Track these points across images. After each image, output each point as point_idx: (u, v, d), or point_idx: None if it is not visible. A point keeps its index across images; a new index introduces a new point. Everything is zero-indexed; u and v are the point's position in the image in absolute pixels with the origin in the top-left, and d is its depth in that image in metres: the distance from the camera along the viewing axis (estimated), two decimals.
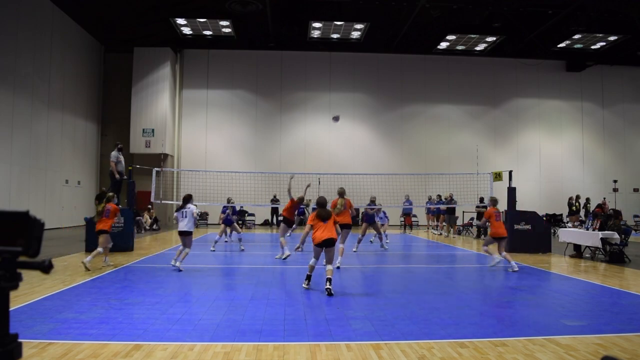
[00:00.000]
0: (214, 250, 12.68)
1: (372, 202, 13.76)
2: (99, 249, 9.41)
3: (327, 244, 7.25)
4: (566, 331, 5.14)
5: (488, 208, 10.12)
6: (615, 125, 26.96)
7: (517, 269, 9.33)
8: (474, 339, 4.84)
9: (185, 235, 9.12)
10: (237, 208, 15.33)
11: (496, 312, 6.14)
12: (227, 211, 13.39)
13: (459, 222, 20.13)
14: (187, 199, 9.35)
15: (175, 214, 9.53)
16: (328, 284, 6.98)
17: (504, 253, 9.57)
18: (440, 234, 19.64)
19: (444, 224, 19.60)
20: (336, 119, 13.65)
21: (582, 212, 20.19)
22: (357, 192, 18.11)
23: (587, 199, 21.87)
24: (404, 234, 20.28)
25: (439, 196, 20.28)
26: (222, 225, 13.52)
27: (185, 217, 9.09)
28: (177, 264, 9.13)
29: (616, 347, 4.64)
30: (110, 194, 10.18)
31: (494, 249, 9.87)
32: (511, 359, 4.26)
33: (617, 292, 7.52)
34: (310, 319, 5.59)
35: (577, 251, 11.89)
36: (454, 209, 18.75)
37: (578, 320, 5.68)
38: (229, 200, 13.94)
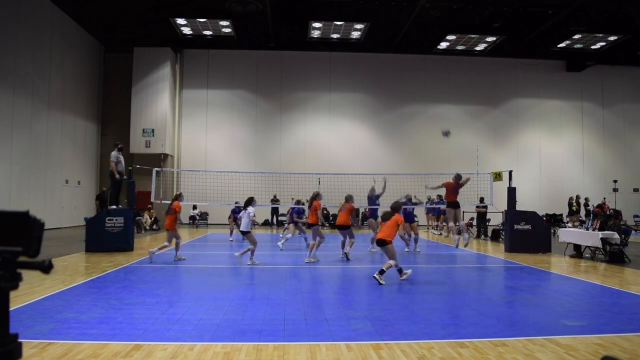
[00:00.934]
0: (282, 250, 12.97)
1: (409, 200, 13.62)
2: (165, 243, 10.42)
3: (379, 244, 8.08)
4: (566, 331, 5.14)
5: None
6: (615, 125, 26.97)
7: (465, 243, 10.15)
8: (474, 339, 4.84)
9: (243, 234, 10.20)
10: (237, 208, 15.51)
11: (496, 312, 6.14)
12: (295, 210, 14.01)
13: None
14: (248, 202, 10.26)
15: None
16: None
17: (462, 223, 10.37)
18: (441, 234, 19.61)
19: (444, 224, 19.54)
20: (447, 134, 13.48)
21: (582, 212, 20.19)
22: (357, 192, 18.10)
23: (587, 199, 21.86)
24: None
25: (439, 196, 20.24)
26: (292, 225, 14.06)
27: (244, 218, 10.10)
28: (249, 261, 9.97)
29: (616, 347, 4.64)
30: (178, 192, 11.11)
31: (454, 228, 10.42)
32: (511, 359, 4.26)
33: (617, 292, 7.51)
34: (310, 319, 5.59)
35: (577, 251, 11.88)
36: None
37: (578, 320, 5.68)
38: (298, 202, 14.24)
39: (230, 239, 15.46)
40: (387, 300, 6.76)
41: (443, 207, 19.48)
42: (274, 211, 23.56)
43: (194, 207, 23.26)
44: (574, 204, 20.22)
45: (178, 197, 10.83)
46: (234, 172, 19.14)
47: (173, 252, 10.92)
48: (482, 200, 17.21)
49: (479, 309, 6.21)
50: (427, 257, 12.74)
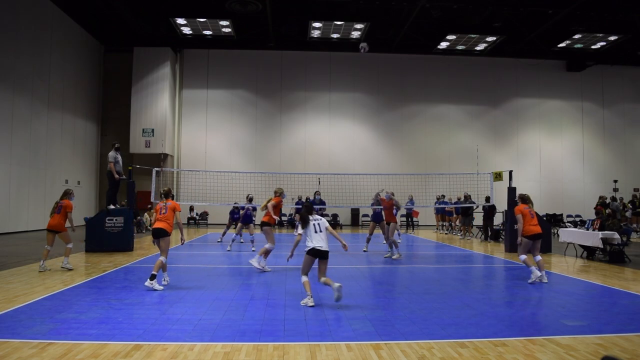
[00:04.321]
0: (230, 250, 12.78)
1: (378, 200, 13.37)
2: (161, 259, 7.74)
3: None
4: (566, 331, 5.14)
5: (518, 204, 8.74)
6: (615, 125, 26.96)
7: (546, 280, 8.20)
8: (474, 339, 4.84)
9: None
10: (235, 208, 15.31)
11: (496, 312, 6.14)
12: (247, 208, 13.41)
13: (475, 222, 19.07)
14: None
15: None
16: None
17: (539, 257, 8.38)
18: (446, 233, 19.55)
19: (457, 224, 19.30)
20: (363, 48, 12.60)
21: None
22: (357, 192, 18.13)
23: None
24: (406, 233, 20.27)
25: (443, 195, 20.24)
26: (240, 224, 13.56)
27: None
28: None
29: (616, 347, 4.64)
30: (166, 188, 8.34)
31: (530, 259, 8.47)
32: (511, 359, 4.26)
33: (617, 292, 7.51)
34: (310, 319, 5.59)
35: (589, 252, 11.65)
36: (467, 209, 17.79)
37: (578, 320, 5.68)
38: (250, 200, 13.74)
39: (241, 240, 14.94)
40: (387, 300, 6.76)
41: (448, 207, 19.49)
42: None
43: (191, 209, 23.20)
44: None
45: (169, 194, 8.20)
46: (234, 172, 19.14)
47: (171, 253, 10.88)
48: (488, 199, 16.76)
49: (479, 309, 6.21)
50: (428, 257, 12.73)
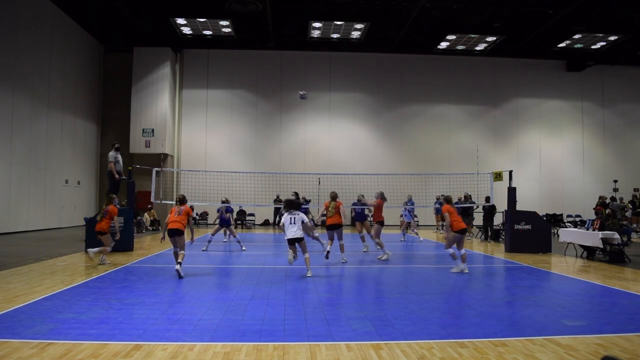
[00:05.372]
0: (205, 250, 12.69)
1: (359, 200, 13.52)
2: (181, 251, 8.67)
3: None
4: (566, 331, 5.14)
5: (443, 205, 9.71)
6: (615, 125, 26.96)
7: (467, 271, 9.17)
8: (474, 339, 4.84)
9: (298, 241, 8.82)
10: (237, 209, 15.19)
11: (496, 312, 6.14)
12: (221, 211, 13.28)
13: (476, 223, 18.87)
14: (295, 205, 8.96)
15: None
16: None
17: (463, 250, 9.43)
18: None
19: None
20: (303, 96, 12.81)
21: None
22: (357, 192, 18.12)
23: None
24: (406, 233, 20.22)
25: (442, 196, 20.14)
26: (217, 226, 13.42)
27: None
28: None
29: (616, 347, 4.64)
30: (181, 195, 9.17)
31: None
32: (511, 359, 4.26)
33: (617, 292, 7.51)
34: (310, 319, 5.59)
35: (589, 252, 11.63)
36: (467, 209, 17.46)
37: (578, 320, 5.68)
38: (225, 202, 13.57)
39: (224, 240, 15.03)
40: (387, 300, 6.76)
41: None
42: (277, 211, 23.49)
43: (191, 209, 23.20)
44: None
45: (184, 201, 9.07)
46: (234, 172, 19.14)
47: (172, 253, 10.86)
48: (487, 199, 16.71)
49: (479, 309, 6.21)
50: (427, 257, 12.73)
